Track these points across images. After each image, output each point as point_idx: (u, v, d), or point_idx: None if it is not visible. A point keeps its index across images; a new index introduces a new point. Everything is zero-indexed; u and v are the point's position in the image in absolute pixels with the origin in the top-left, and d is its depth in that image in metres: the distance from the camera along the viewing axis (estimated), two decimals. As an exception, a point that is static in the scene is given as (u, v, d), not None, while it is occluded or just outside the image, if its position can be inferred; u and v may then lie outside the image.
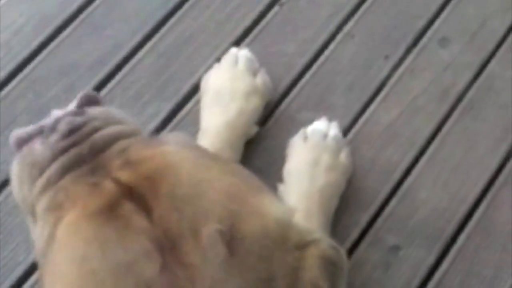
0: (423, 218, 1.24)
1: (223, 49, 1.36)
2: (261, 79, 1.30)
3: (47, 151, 0.76)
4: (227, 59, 1.32)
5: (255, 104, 1.27)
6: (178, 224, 0.69)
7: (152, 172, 0.72)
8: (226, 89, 1.27)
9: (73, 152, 0.74)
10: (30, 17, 1.39)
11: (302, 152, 1.24)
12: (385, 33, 1.41)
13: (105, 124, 0.78)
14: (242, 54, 1.31)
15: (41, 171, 0.76)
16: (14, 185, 0.82)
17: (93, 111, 0.80)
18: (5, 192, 1.24)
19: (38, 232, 0.75)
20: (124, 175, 0.73)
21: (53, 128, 0.77)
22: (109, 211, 0.70)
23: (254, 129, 1.28)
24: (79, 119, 0.77)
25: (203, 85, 1.31)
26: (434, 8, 1.44)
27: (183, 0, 1.42)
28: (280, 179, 1.22)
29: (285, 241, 0.72)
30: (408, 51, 1.40)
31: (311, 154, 1.23)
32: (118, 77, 1.35)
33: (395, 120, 1.33)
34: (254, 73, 1.30)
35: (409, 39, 1.41)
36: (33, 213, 0.78)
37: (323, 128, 1.26)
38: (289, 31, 1.40)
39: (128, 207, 0.70)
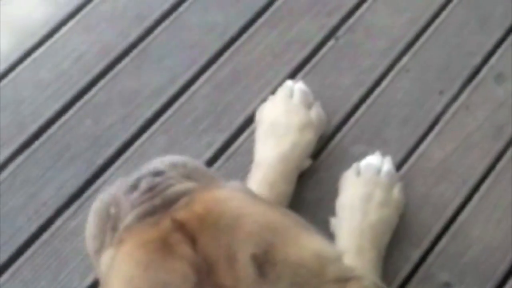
0: (475, 256, 1.23)
1: (279, 82, 1.38)
2: (316, 112, 1.31)
3: (127, 206, 0.83)
4: (282, 91, 1.33)
5: (309, 137, 1.28)
6: (216, 251, 0.73)
7: (203, 209, 0.77)
8: (281, 122, 1.28)
9: (147, 204, 0.81)
10: (91, 45, 1.42)
11: (355, 186, 1.24)
12: (440, 68, 1.41)
13: (180, 181, 0.84)
14: (297, 87, 1.33)
15: (120, 221, 0.83)
16: (88, 230, 0.88)
17: (171, 172, 0.86)
18: (63, 217, 1.27)
19: (103, 262, 0.81)
20: (181, 214, 0.78)
21: (134, 186, 0.84)
22: (160, 241, 0.75)
23: (308, 162, 1.29)
24: (158, 179, 0.83)
25: (257, 117, 1.33)
26: (490, 44, 1.44)
27: (240, 32, 1.44)
28: (332, 212, 1.23)
29: (322, 273, 0.74)
30: (463, 87, 1.40)
31: (364, 189, 1.23)
32: (175, 106, 1.37)
33: (449, 156, 1.33)
34: (309, 106, 1.31)
35: (465, 75, 1.41)
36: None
37: (376, 163, 1.27)
38: (344, 65, 1.41)
39: (176, 237, 0.75)
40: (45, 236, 1.26)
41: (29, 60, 1.41)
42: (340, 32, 1.44)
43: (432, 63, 1.42)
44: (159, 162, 0.90)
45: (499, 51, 1.43)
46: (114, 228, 0.84)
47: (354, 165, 1.27)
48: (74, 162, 1.31)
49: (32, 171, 1.31)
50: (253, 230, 0.75)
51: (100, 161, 1.31)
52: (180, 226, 0.76)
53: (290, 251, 0.74)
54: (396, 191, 1.25)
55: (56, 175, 1.30)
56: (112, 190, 0.88)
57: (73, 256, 1.23)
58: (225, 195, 0.80)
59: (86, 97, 1.37)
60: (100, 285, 0.82)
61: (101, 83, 1.39)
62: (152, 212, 0.80)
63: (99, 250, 0.85)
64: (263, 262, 0.72)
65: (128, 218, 0.82)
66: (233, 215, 0.76)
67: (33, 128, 1.34)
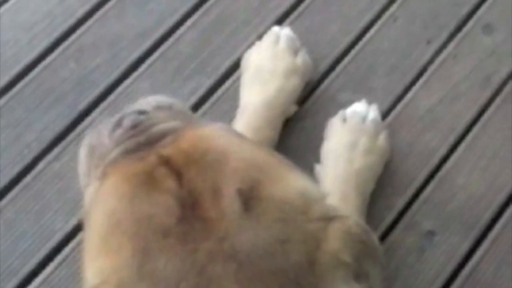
0: (460, 205, 1.24)
1: (265, 27, 1.36)
2: (302, 58, 1.30)
3: (110, 143, 0.83)
4: (268, 37, 1.32)
5: (295, 83, 1.27)
6: (202, 185, 0.74)
7: (189, 145, 0.78)
8: (266, 68, 1.27)
9: (131, 140, 0.81)
10: (75, -13, 1.40)
11: (341, 133, 1.24)
12: (428, 18, 1.40)
13: (164, 120, 0.84)
14: (283, 33, 1.31)
15: (102, 159, 0.83)
16: (79, 168, 0.90)
17: (156, 112, 0.87)
18: (46, 159, 1.26)
19: (87, 195, 0.83)
20: (167, 150, 0.78)
21: (118, 124, 0.84)
22: (145, 175, 0.76)
23: (293, 109, 1.28)
24: (142, 117, 0.84)
25: (243, 62, 1.32)
26: (478, -6, 1.43)
27: (227, -23, 1.42)
28: (317, 159, 1.23)
29: (307, 211, 0.74)
30: (451, 36, 1.39)
31: (349, 136, 1.23)
32: (160, 50, 1.36)
33: (436, 105, 1.32)
34: (295, 52, 1.30)
35: (452, 24, 1.40)
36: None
37: (362, 110, 1.26)
38: (332, 12, 1.40)
39: (162, 171, 0.76)
40: (28, 178, 1.24)
41: (11, 1, 1.38)
42: (328, -21, 1.43)
43: (420, 12, 1.41)
44: (144, 103, 0.90)
45: (488, 1, 1.42)
46: (98, 166, 0.84)
47: (340, 112, 1.27)
48: (57, 104, 1.30)
49: (15, 113, 1.29)
50: (239, 166, 0.75)
51: (83, 104, 1.30)
52: (166, 161, 0.76)
53: (276, 188, 0.75)
54: (382, 139, 1.24)
55: (39, 118, 1.29)
56: (97, 129, 0.88)
57: (56, 198, 1.23)
58: (212, 133, 0.81)
59: (70, 39, 1.35)
60: (84, 221, 0.82)
61: (85, 25, 1.37)
62: (136, 149, 0.80)
63: (86, 186, 0.86)
64: (249, 198, 0.73)
65: (112, 154, 0.82)
66: (219, 152, 0.77)
67: (16, 69, 1.32)
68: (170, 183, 0.74)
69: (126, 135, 0.82)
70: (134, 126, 0.83)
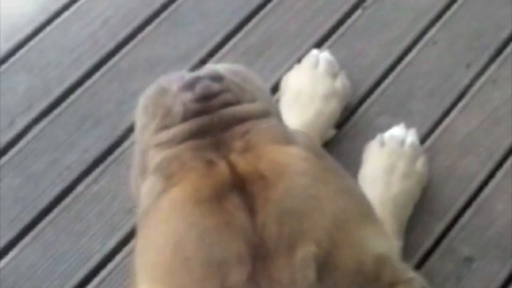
0: (499, 231, 1.22)
1: (305, 50, 1.37)
2: (341, 82, 1.30)
3: (180, 107, 0.78)
4: (307, 60, 1.33)
5: (333, 107, 1.27)
6: (277, 236, 0.69)
7: (270, 173, 0.72)
8: (305, 91, 1.28)
9: (202, 119, 0.77)
10: (117, 9, 1.41)
11: (378, 158, 1.23)
12: (468, 41, 1.40)
13: (238, 100, 0.80)
14: (322, 56, 1.32)
15: (168, 122, 0.79)
16: (139, 111, 0.85)
17: (231, 80, 0.81)
18: (87, 180, 1.27)
19: (144, 190, 0.77)
20: (241, 164, 0.73)
21: (190, 85, 0.79)
22: (217, 201, 0.71)
23: (332, 132, 1.29)
24: (216, 86, 0.79)
25: (283, 85, 1.32)
26: (520, 17, 1.42)
27: (267, 0, 1.43)
28: (355, 183, 1.23)
29: (378, 278, 0.71)
30: (491, 60, 1.38)
31: (387, 161, 1.22)
32: (200, 73, 1.36)
33: (475, 129, 1.32)
34: (334, 76, 1.30)
35: (492, 48, 1.39)
36: (144, 166, 0.80)
37: (400, 134, 1.26)
38: (371, 35, 1.40)
39: (235, 202, 0.71)
40: (68, 200, 1.26)
41: (55, 23, 1.41)
42: (367, 2, 1.43)
43: (460, 36, 1.40)
44: (221, 66, 0.85)
45: (529, 25, 1.41)
46: (164, 117, 0.79)
47: (378, 136, 1.26)
48: (98, 126, 1.31)
49: (56, 135, 1.31)
50: (320, 222, 0.70)
51: (123, 126, 1.31)
52: (240, 183, 0.72)
53: (352, 253, 0.71)
54: (420, 164, 1.24)
55: (80, 140, 1.30)
56: (169, 78, 0.84)
57: (95, 220, 1.24)
58: (297, 162, 0.74)
59: (112, 62, 1.37)
60: (138, 225, 0.79)
61: (127, 48, 1.38)
62: (206, 132, 0.76)
63: (141, 174, 0.81)
64: (323, 264, 0.69)
65: (179, 129, 0.77)
66: (302, 197, 0.72)
67: (58, 91, 1.34)
68: (242, 219, 0.69)
69: (196, 106, 0.78)
70: (206, 98, 0.78)
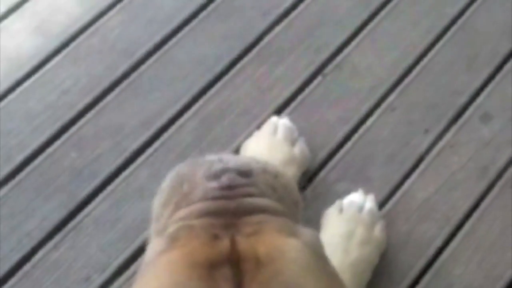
0: (457, 296, 1.23)
1: (265, 117, 1.39)
2: (299, 148, 1.31)
3: (201, 192, 0.79)
4: (266, 127, 1.34)
5: (292, 173, 1.28)
6: None
7: (264, 256, 0.73)
8: (263, 158, 1.27)
9: (221, 203, 0.77)
10: (79, 78, 1.43)
11: (337, 224, 1.24)
12: (426, 107, 1.42)
13: (260, 194, 0.80)
14: (281, 123, 1.33)
15: (187, 202, 0.80)
16: (160, 193, 0.85)
17: (260, 177, 0.82)
18: (45, 248, 1.27)
19: (151, 246, 0.78)
20: (243, 244, 0.74)
21: (216, 176, 0.79)
22: (208, 268, 0.72)
23: (290, 198, 1.29)
24: (242, 181, 0.80)
25: (242, 152, 1.33)
26: (476, 84, 1.44)
27: (229, 67, 1.45)
28: (313, 249, 1.23)
29: None
30: (448, 126, 1.40)
31: (345, 227, 1.23)
32: (162, 139, 1.38)
33: (433, 195, 1.33)
34: (293, 142, 1.32)
35: (450, 114, 1.41)
36: (159, 232, 0.81)
37: (359, 200, 1.27)
38: (330, 102, 1.42)
39: (225, 274, 0.71)
40: (27, 267, 1.26)
41: (17, 91, 1.42)
42: (327, 69, 1.45)
43: (418, 102, 1.43)
44: (254, 161, 0.85)
45: (486, 91, 1.44)
46: (178, 206, 0.80)
47: (337, 202, 1.28)
48: (58, 194, 1.32)
49: (16, 202, 1.31)
50: None
51: (83, 193, 1.31)
52: (236, 259, 0.73)
53: None
54: (378, 230, 1.25)
55: (40, 207, 1.30)
56: (193, 165, 0.84)
57: (53, 287, 1.23)
58: (293, 251, 0.75)
59: (72, 130, 1.38)
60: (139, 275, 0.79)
61: (88, 116, 1.39)
62: (220, 214, 0.77)
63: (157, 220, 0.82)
64: None
65: (197, 206, 0.78)
66: (288, 284, 0.72)
67: (18, 159, 1.35)
68: None
69: (218, 193, 0.78)
70: (231, 188, 0.78)
